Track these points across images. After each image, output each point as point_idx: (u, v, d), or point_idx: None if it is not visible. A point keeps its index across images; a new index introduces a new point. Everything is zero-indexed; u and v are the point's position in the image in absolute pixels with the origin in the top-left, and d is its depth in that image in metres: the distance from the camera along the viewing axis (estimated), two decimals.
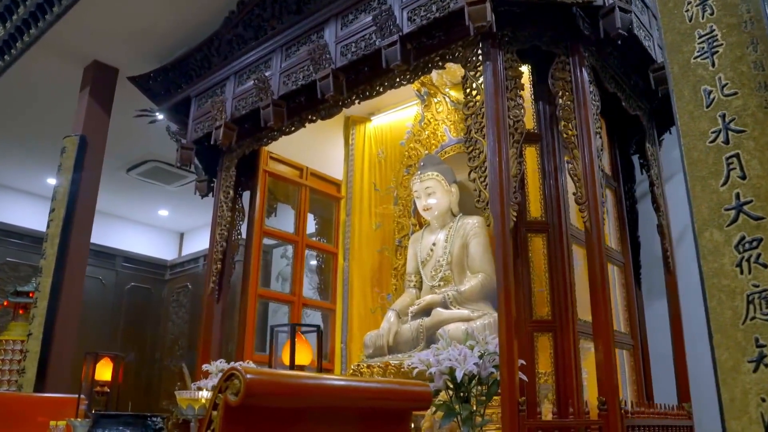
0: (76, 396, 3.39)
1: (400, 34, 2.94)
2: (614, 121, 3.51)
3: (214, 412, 1.37)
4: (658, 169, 3.52)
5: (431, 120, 4.35)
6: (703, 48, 1.55)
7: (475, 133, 2.76)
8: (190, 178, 6.78)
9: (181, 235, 9.51)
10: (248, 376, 1.33)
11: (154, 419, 2.32)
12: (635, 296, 3.34)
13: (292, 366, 2.83)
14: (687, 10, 1.59)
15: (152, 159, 6.72)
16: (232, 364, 3.14)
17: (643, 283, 3.56)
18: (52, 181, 7.04)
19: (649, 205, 3.56)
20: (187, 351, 7.50)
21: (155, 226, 9.19)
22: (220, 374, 3.38)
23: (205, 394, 1.94)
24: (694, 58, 1.56)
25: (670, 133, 3.85)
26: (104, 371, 3.51)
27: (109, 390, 3.45)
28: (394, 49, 2.94)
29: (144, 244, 8.78)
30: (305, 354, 3.07)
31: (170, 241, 9.35)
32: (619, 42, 2.84)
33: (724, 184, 1.44)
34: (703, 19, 1.56)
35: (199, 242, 8.80)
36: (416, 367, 2.54)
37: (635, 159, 3.74)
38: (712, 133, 1.49)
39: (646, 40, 3.09)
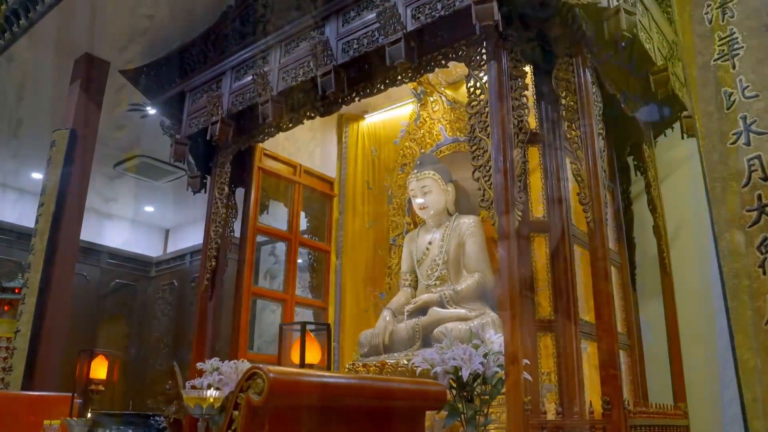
0: (68, 394, 3.33)
1: (404, 31, 2.93)
2: (611, 122, 3.52)
3: (236, 412, 1.34)
4: (655, 171, 3.55)
5: (427, 119, 4.35)
6: (723, 50, 1.56)
7: (479, 132, 2.76)
8: (179, 174, 6.69)
9: (167, 232, 9.39)
10: (272, 375, 1.31)
11: (157, 419, 2.28)
12: (631, 297, 3.37)
13: (303, 365, 2.81)
14: (707, 13, 1.60)
15: (140, 154, 6.63)
16: (234, 362, 3.11)
17: (637, 283, 3.59)
18: (36, 176, 6.94)
19: (643, 206, 3.59)
20: (173, 349, 7.40)
21: (141, 222, 9.06)
22: (215, 373, 3.37)
23: (213, 393, 1.91)
24: (714, 60, 1.57)
25: (665, 135, 3.88)
26: (99, 369, 3.45)
27: (103, 388, 3.40)
28: (398, 46, 2.93)
29: (129, 241, 8.65)
30: (313, 353, 3.05)
31: (155, 238, 9.23)
32: (623, 44, 2.85)
33: (746, 185, 1.45)
34: (723, 21, 1.57)
35: (184, 239, 8.69)
36: (419, 366, 2.53)
37: (630, 161, 3.76)
38: (733, 135, 1.49)
39: (647, 42, 3.11)
